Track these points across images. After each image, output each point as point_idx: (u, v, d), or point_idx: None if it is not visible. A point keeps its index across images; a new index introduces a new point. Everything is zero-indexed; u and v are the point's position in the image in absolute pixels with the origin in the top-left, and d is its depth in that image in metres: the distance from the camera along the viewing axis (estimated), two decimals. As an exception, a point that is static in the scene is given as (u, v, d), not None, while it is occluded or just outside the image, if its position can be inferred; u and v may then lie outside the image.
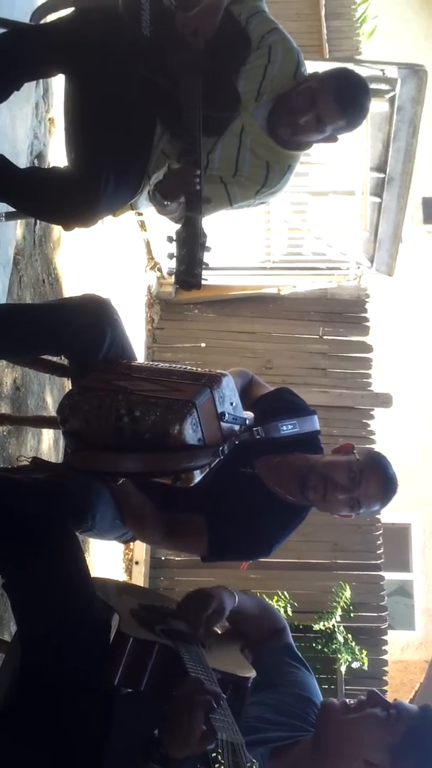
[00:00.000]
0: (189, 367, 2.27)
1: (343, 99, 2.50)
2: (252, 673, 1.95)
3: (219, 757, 1.42)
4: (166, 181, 2.46)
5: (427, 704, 1.84)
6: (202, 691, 1.55)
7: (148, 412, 1.97)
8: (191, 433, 1.97)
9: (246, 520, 2.44)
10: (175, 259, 2.39)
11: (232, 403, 2.17)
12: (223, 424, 2.11)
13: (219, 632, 2.17)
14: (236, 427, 2.18)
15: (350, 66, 7.20)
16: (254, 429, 2.41)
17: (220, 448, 2.06)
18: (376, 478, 2.41)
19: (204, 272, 2.42)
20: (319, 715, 1.85)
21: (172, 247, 2.39)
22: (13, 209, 2.81)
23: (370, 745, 1.72)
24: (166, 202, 2.47)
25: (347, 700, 1.82)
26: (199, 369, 2.25)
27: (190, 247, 2.37)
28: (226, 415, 2.11)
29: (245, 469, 2.46)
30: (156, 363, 2.33)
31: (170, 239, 2.38)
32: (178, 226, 2.41)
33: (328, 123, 2.53)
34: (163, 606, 2.14)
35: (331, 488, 2.39)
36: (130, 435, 1.98)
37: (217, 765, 1.40)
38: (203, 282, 2.43)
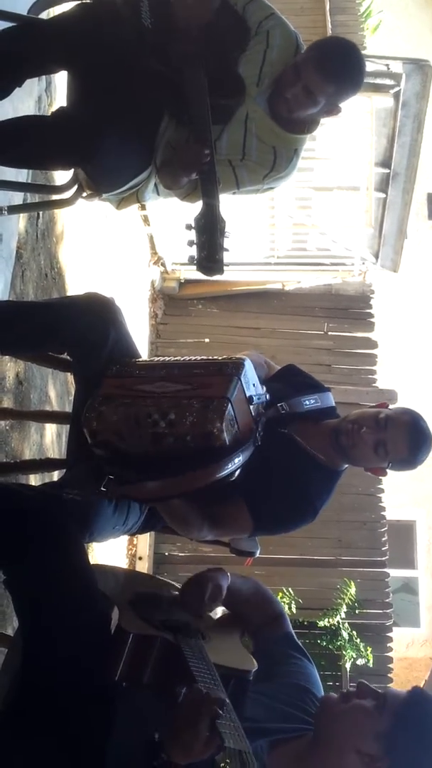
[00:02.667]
0: (204, 357, 2.26)
1: (326, 64, 2.47)
2: (253, 666, 1.93)
3: (227, 766, 1.42)
4: (179, 155, 2.45)
5: (417, 687, 1.86)
6: (208, 702, 1.55)
7: (184, 414, 1.97)
8: (230, 428, 1.98)
9: (287, 488, 2.44)
10: (195, 246, 2.38)
11: (254, 384, 2.18)
12: (252, 407, 2.13)
13: (217, 616, 2.16)
14: (261, 406, 2.20)
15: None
16: (278, 405, 2.43)
17: (257, 434, 2.11)
18: (404, 423, 2.44)
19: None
20: (318, 709, 1.86)
21: (191, 235, 2.37)
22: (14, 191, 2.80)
23: (360, 735, 1.73)
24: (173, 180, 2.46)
25: (345, 690, 1.83)
26: (218, 357, 2.24)
27: (210, 233, 2.36)
28: (253, 398, 2.13)
29: (282, 429, 2.46)
30: (168, 358, 2.31)
31: (189, 227, 2.37)
32: (195, 213, 2.40)
33: (316, 92, 2.49)
34: (161, 594, 2.12)
35: (358, 429, 2.43)
36: (171, 441, 1.97)
37: None
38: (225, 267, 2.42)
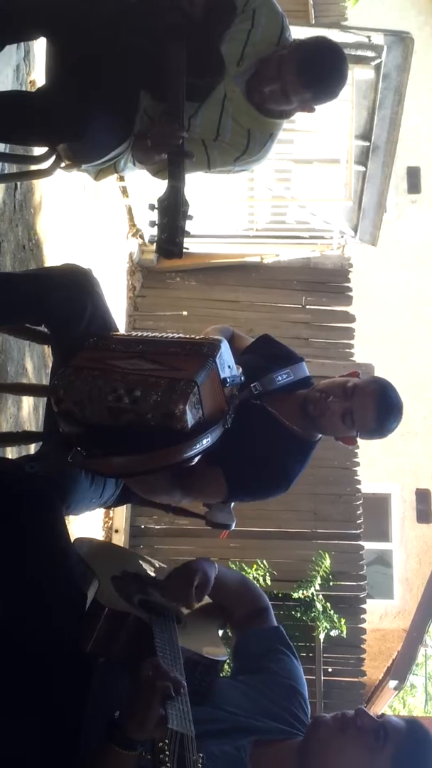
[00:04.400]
0: (182, 335, 2.25)
1: (307, 73, 2.44)
2: (223, 656, 1.94)
3: (165, 747, 1.40)
4: (151, 135, 2.42)
5: (414, 719, 1.81)
6: (163, 677, 1.54)
7: (149, 393, 1.96)
8: (194, 411, 1.97)
9: (261, 456, 2.45)
10: (156, 227, 2.36)
11: (229, 366, 2.19)
12: (225, 389, 2.13)
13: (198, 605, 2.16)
14: (235, 388, 2.20)
15: (335, 32, 7.20)
16: (251, 385, 2.44)
17: (227, 417, 2.11)
18: (371, 392, 2.45)
19: (186, 240, 2.39)
20: (310, 731, 1.80)
21: (154, 215, 2.36)
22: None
23: None
24: (145, 159, 2.44)
25: (338, 714, 1.77)
26: (195, 337, 2.24)
27: (172, 215, 2.34)
28: (227, 380, 2.13)
29: (255, 401, 2.47)
30: (147, 333, 2.30)
31: (152, 207, 2.35)
32: (159, 194, 2.38)
33: (292, 94, 2.48)
34: (147, 575, 2.13)
35: (325, 398, 2.45)
36: (131, 417, 1.96)
37: (161, 755, 1.38)
38: (185, 251, 2.40)
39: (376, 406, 2.44)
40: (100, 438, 2.01)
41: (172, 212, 2.34)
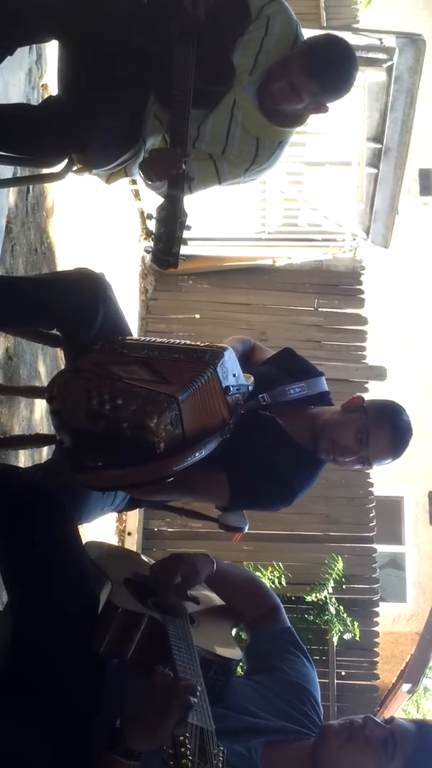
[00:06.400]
0: (189, 342, 2.25)
1: (312, 63, 2.42)
2: (237, 656, 1.94)
3: (186, 741, 1.39)
4: (152, 160, 2.40)
5: (424, 722, 1.81)
6: (181, 690, 1.51)
7: (130, 402, 1.95)
8: (169, 428, 1.95)
9: (266, 466, 2.43)
10: (153, 237, 2.36)
11: (234, 375, 2.17)
12: (228, 398, 2.11)
13: (197, 597, 2.16)
14: (241, 397, 2.19)
15: (347, 34, 7.19)
16: (260, 396, 2.42)
17: (227, 426, 2.09)
18: (384, 435, 2.45)
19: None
20: (318, 739, 1.81)
21: (152, 225, 2.35)
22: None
23: None
24: (151, 182, 2.43)
25: (346, 722, 1.77)
26: (200, 344, 2.24)
27: (170, 225, 2.32)
28: (231, 388, 2.12)
29: (264, 411, 2.46)
30: (155, 339, 2.30)
31: (150, 216, 2.35)
32: (159, 203, 2.37)
33: (300, 89, 2.45)
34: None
35: (338, 451, 2.44)
36: (107, 423, 1.95)
37: (183, 749, 1.37)
38: (181, 259, 2.39)
39: (393, 447, 2.47)
40: (84, 444, 2.01)
41: (170, 222, 2.32)
